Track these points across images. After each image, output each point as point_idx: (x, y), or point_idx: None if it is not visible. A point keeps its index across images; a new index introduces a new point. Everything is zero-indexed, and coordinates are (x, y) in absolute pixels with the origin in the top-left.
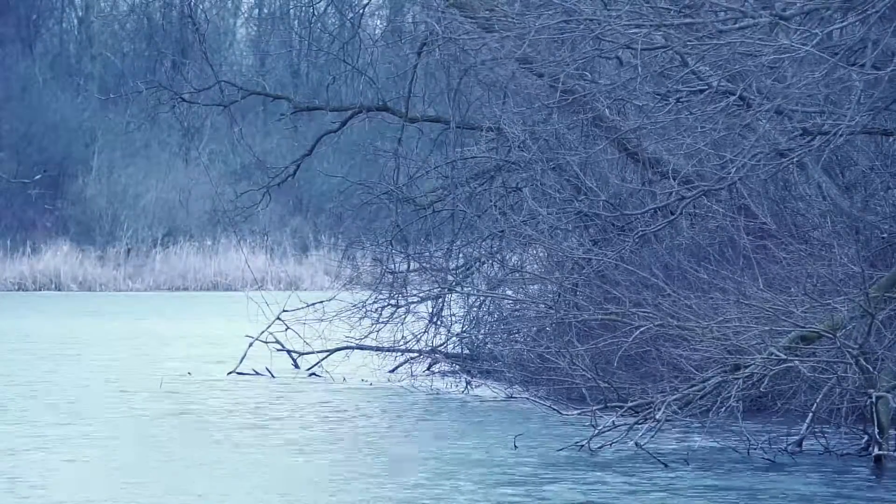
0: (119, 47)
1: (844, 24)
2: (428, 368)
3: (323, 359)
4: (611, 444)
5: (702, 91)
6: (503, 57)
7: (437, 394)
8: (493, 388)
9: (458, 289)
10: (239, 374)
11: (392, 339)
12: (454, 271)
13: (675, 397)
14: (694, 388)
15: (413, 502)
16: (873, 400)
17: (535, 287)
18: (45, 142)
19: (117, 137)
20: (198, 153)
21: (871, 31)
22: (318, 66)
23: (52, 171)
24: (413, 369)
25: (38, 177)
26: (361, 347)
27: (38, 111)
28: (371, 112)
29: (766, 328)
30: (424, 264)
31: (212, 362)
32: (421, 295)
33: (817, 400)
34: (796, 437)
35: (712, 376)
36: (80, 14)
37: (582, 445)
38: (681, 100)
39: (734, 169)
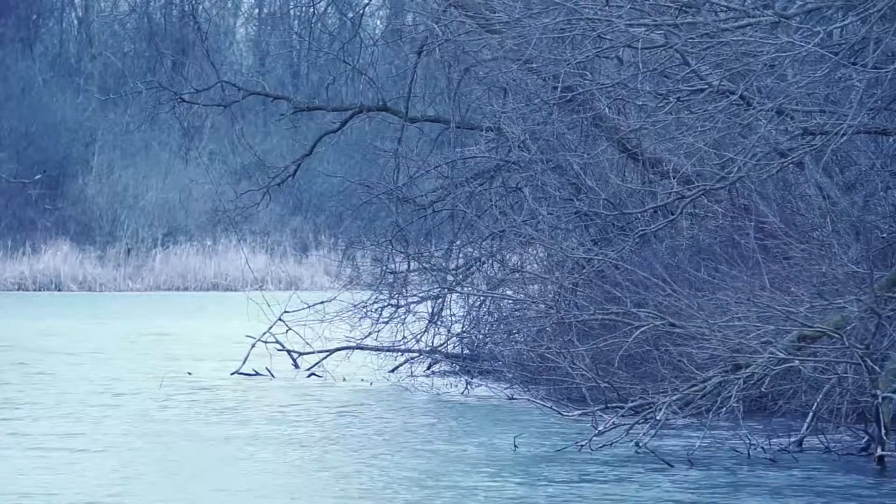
0: (119, 47)
1: (845, 23)
2: (428, 368)
3: (323, 359)
4: (611, 445)
5: (702, 90)
6: (503, 57)
7: (437, 394)
8: (493, 388)
9: (458, 289)
10: (240, 374)
11: (392, 339)
12: (454, 271)
13: (675, 397)
14: (694, 389)
15: (413, 502)
16: (879, 400)
17: (535, 287)
18: (45, 142)
19: (117, 137)
20: (198, 153)
21: (871, 31)
22: (318, 66)
23: (52, 171)
24: (413, 369)
25: (38, 177)
26: (361, 347)
27: (38, 111)
28: (371, 112)
29: (770, 328)
30: (424, 264)
31: (212, 362)
32: (421, 295)
33: (818, 399)
34: (797, 437)
35: (713, 376)
36: (80, 14)
37: (582, 445)
38: (681, 99)
39: (735, 168)
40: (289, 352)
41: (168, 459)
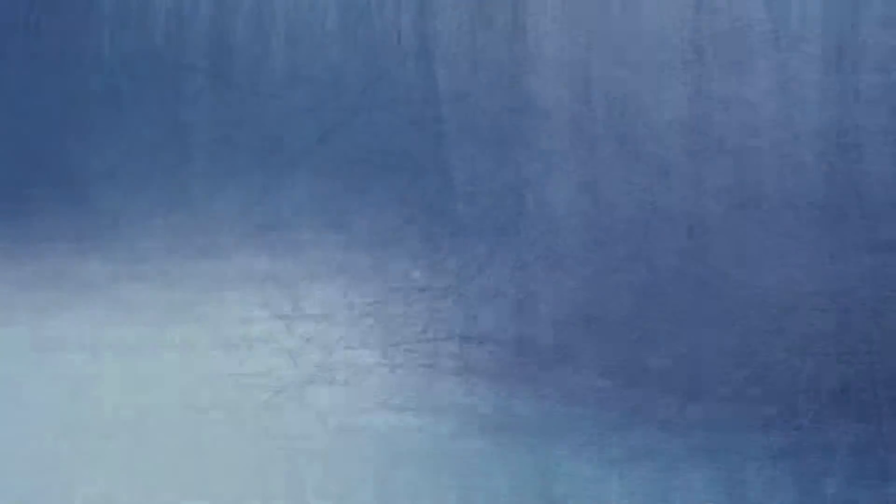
0: None
1: None
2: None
3: (324, 358)
4: (611, 444)
5: None
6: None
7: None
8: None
9: None
10: (240, 373)
11: None
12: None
13: (677, 395)
14: (696, 387)
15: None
16: (881, 400)
17: None
18: None
19: None
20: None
21: None
22: None
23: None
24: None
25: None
26: (363, 347)
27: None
28: None
29: (772, 325)
30: None
31: (212, 362)
32: None
33: (818, 398)
34: (797, 436)
35: (714, 374)
36: None
37: (583, 444)
38: None
39: None
40: (289, 351)
41: (166, 461)
